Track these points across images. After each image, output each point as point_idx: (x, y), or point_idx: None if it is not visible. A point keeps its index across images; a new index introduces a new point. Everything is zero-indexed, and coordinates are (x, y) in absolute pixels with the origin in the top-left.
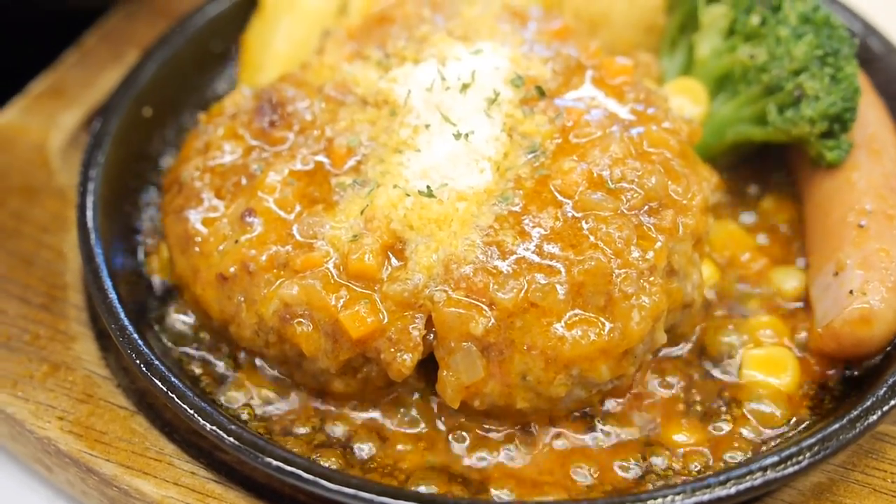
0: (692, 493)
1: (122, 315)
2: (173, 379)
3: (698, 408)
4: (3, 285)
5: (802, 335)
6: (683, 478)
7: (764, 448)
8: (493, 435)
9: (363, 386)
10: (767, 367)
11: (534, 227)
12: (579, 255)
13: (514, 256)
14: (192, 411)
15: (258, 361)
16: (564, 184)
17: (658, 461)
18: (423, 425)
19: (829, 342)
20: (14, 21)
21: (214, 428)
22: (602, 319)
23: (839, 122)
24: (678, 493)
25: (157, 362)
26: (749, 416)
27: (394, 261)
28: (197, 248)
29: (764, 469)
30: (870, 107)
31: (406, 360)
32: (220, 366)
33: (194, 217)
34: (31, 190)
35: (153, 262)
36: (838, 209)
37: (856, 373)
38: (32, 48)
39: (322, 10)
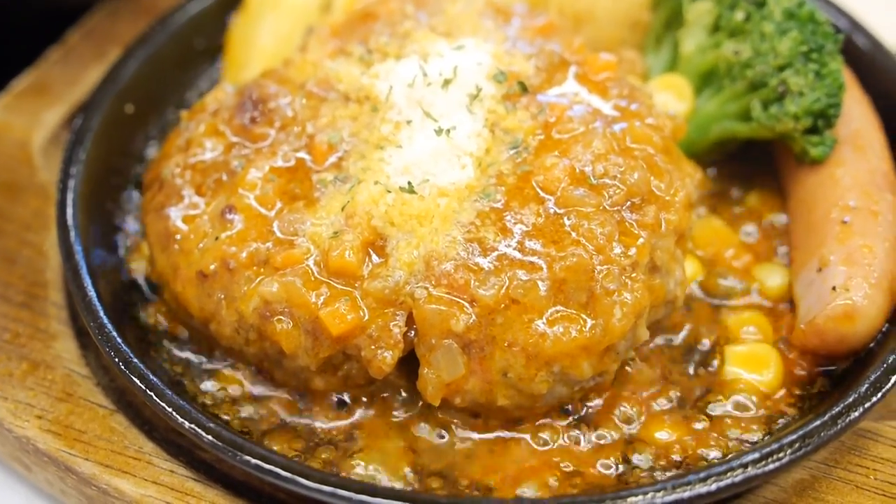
0: (673, 489)
1: (102, 313)
2: (152, 377)
3: (680, 404)
4: None
5: (785, 331)
6: (665, 474)
7: (746, 445)
8: (474, 432)
9: (344, 383)
10: (750, 363)
11: (515, 223)
12: (561, 252)
13: (496, 253)
14: (170, 409)
15: (238, 359)
16: (546, 180)
17: (640, 458)
18: (404, 422)
19: (812, 338)
20: None
21: (193, 426)
22: (584, 316)
23: (823, 119)
24: (659, 490)
25: (135, 361)
26: (731, 412)
27: (374, 257)
28: (177, 246)
29: (745, 466)
30: (855, 103)
31: (387, 358)
32: (200, 364)
33: (175, 214)
34: (14, 187)
35: (134, 259)
36: (822, 205)
37: (838, 369)
38: (15, 45)
39: (306, 7)
